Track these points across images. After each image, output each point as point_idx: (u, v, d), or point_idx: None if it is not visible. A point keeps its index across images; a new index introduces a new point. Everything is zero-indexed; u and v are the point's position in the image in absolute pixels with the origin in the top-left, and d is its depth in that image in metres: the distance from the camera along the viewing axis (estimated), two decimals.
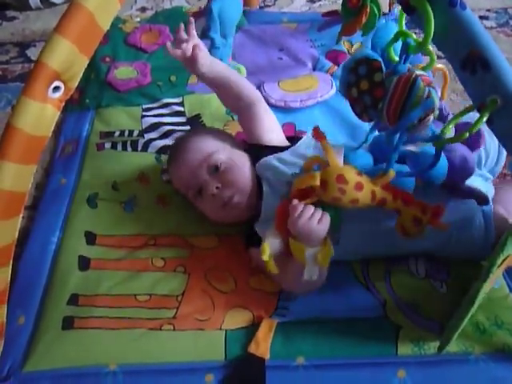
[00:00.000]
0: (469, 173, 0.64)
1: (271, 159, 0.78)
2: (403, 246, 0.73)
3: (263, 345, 0.68)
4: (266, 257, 0.63)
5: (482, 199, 0.58)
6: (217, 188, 0.77)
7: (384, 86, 0.55)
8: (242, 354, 0.67)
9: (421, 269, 0.76)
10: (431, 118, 0.55)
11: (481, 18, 1.35)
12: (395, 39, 0.57)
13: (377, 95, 0.55)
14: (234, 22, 0.73)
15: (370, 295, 0.74)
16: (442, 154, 0.59)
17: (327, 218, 0.64)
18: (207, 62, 0.80)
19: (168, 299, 0.74)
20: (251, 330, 0.70)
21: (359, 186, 0.60)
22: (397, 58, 0.58)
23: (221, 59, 0.72)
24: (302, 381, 0.65)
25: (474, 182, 0.72)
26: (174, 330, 0.70)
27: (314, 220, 0.63)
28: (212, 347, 0.68)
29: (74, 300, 0.74)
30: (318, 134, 0.64)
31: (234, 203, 0.77)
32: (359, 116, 0.60)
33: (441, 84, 0.67)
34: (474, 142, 0.68)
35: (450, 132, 0.56)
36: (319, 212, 0.64)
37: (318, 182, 0.60)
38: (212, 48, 0.71)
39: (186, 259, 0.80)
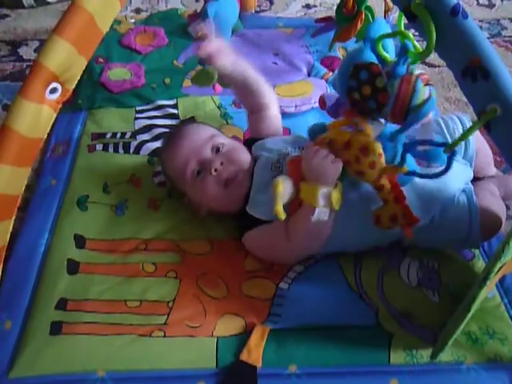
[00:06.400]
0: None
1: (267, 140, 0.85)
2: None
3: (255, 352, 0.67)
4: (280, 188, 0.65)
5: (445, 145, 0.58)
6: (221, 164, 0.78)
7: (386, 90, 0.56)
8: (233, 362, 0.66)
9: (412, 277, 0.76)
10: (431, 114, 0.57)
11: None
12: (386, 37, 0.58)
13: (381, 100, 0.56)
14: (229, 26, 0.73)
15: (363, 303, 0.73)
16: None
17: (340, 162, 0.67)
18: (228, 61, 0.81)
19: (159, 305, 0.73)
20: (243, 337, 0.69)
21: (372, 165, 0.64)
22: (386, 54, 0.58)
23: None
24: None
25: (454, 167, 0.73)
26: (165, 336, 0.69)
27: (329, 159, 0.67)
28: (203, 354, 0.67)
29: (62, 304, 0.73)
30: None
31: (238, 180, 0.78)
32: (363, 115, 0.61)
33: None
34: None
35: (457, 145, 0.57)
36: (332, 155, 0.67)
37: (346, 139, 0.64)
38: None
39: (178, 264, 0.79)
